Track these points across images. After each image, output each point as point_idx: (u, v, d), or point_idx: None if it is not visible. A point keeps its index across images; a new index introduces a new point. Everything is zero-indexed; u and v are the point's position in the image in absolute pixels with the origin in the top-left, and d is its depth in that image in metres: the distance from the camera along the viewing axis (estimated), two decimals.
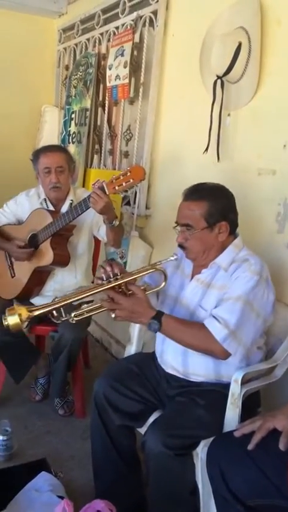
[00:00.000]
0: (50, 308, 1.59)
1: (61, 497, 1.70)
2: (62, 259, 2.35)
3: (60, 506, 1.57)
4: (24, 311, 1.56)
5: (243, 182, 1.72)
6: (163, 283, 1.71)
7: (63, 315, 1.60)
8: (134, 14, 2.82)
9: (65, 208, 2.42)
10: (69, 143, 3.52)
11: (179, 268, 1.82)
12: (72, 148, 3.42)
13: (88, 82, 3.28)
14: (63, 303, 1.60)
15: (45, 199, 2.45)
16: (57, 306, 1.60)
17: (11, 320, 1.55)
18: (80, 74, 3.41)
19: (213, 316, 1.55)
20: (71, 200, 2.42)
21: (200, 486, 1.54)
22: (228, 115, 2.13)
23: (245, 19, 1.97)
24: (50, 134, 3.90)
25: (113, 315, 1.61)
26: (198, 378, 1.68)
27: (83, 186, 3.10)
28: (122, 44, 2.85)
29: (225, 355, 1.53)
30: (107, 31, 3.18)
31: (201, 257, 1.69)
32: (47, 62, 4.10)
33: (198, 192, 1.69)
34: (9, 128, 3.98)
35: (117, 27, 3.04)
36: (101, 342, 3.40)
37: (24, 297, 2.42)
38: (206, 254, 1.68)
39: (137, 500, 1.79)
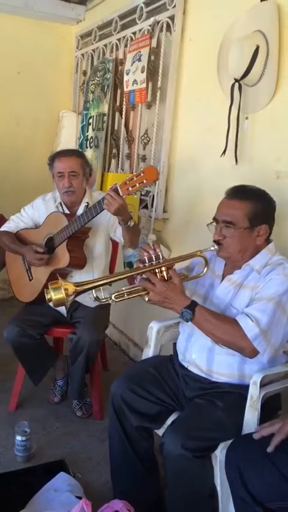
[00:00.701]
0: (96, 284, 1.62)
1: (79, 498, 1.71)
2: (79, 262, 2.37)
3: (78, 506, 1.58)
4: (70, 286, 1.58)
5: (262, 185, 1.72)
6: (205, 269, 1.73)
7: (103, 296, 1.63)
8: (151, 20, 2.85)
9: (80, 211, 2.44)
10: (86, 148, 3.56)
11: (209, 268, 1.82)
12: (89, 153, 3.45)
13: (105, 87, 3.32)
14: (107, 281, 1.64)
15: (60, 203, 2.48)
16: (101, 283, 1.62)
17: (56, 294, 1.56)
18: (98, 79, 3.44)
19: (246, 314, 1.56)
20: (87, 203, 2.44)
21: (218, 488, 1.53)
22: (246, 118, 2.13)
23: (263, 23, 1.98)
24: (68, 139, 3.94)
25: (146, 298, 1.63)
26: (220, 378, 1.68)
27: (101, 190, 3.12)
28: (139, 49, 2.87)
29: (254, 353, 1.54)
30: (124, 37, 3.21)
31: (236, 257, 1.69)
32: (65, 68, 4.15)
33: (244, 192, 1.69)
34: (28, 133, 4.05)
35: (134, 33, 3.07)
36: (119, 344, 3.42)
37: (42, 300, 2.44)
38: (241, 255, 1.68)
39: (155, 502, 1.80)
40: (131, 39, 3.08)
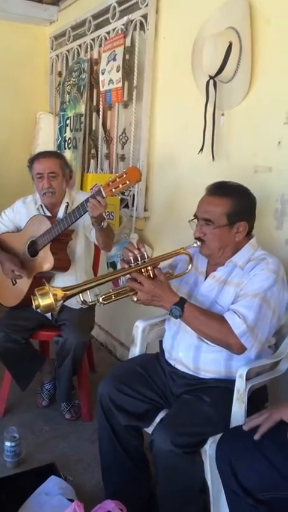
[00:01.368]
0: (84, 288, 1.60)
1: (71, 500, 1.70)
2: (63, 264, 2.36)
3: (70, 508, 1.58)
4: (59, 291, 1.56)
5: (240, 181, 1.74)
6: (189, 266, 1.73)
7: (90, 299, 1.61)
8: (125, 19, 2.85)
9: (61, 212, 2.43)
10: (65, 149, 3.54)
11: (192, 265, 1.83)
12: (68, 154, 3.43)
13: (81, 87, 3.31)
14: (95, 283, 1.62)
15: (41, 205, 2.46)
16: (90, 286, 1.61)
17: (44, 301, 1.53)
18: (73, 80, 3.43)
19: (233, 311, 1.57)
20: (67, 203, 2.44)
21: (209, 483, 1.55)
22: (222, 114, 2.15)
23: (235, 19, 1.99)
24: (46, 141, 3.92)
25: (134, 299, 1.63)
26: (207, 375, 1.69)
27: (81, 190, 3.11)
28: (114, 49, 2.87)
29: (242, 350, 1.55)
30: (98, 36, 3.21)
31: (217, 254, 1.70)
32: (40, 69, 4.13)
33: (223, 189, 1.70)
34: (4, 136, 4.01)
35: (108, 32, 3.06)
36: (106, 345, 3.41)
37: (26, 304, 2.42)
38: (222, 252, 1.69)
39: (147, 500, 1.80)
40: (105, 38, 3.08)
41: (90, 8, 3.27)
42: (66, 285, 2.37)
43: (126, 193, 2.98)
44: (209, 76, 2.08)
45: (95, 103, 3.32)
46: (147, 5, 2.63)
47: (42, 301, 1.53)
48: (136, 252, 1.63)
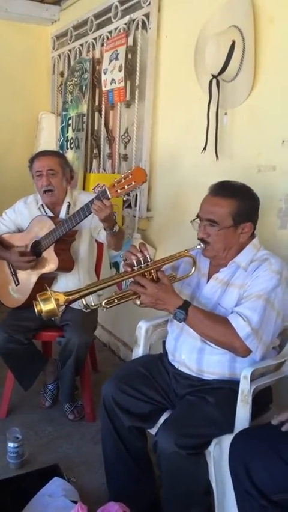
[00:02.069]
0: (87, 292, 1.58)
1: (75, 502, 1.70)
2: (67, 265, 2.36)
3: (74, 510, 1.58)
4: (61, 296, 1.53)
5: (244, 180, 1.72)
6: (193, 269, 1.71)
7: (92, 302, 1.60)
8: (127, 18, 2.84)
9: (63, 211, 2.43)
10: (67, 149, 3.54)
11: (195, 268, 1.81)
12: (70, 154, 3.43)
13: (84, 87, 3.30)
14: (98, 287, 1.60)
15: (42, 205, 2.46)
16: (92, 290, 1.59)
17: (47, 306, 1.51)
18: (75, 79, 3.42)
19: (237, 313, 1.55)
20: (68, 202, 2.43)
21: (213, 485, 1.54)
22: (225, 113, 2.13)
23: (238, 18, 1.98)
24: (48, 141, 3.91)
25: (138, 302, 1.61)
26: (211, 376, 1.68)
27: (83, 190, 3.10)
28: (116, 48, 2.86)
29: (247, 352, 1.54)
30: (100, 36, 3.20)
31: (221, 255, 1.68)
32: (41, 69, 4.12)
33: (228, 189, 1.67)
34: (6, 136, 4.01)
35: (110, 32, 3.05)
36: (109, 345, 3.40)
37: (30, 305, 2.41)
38: (226, 253, 1.67)
39: (151, 502, 1.79)
40: (107, 38, 3.07)
41: (92, 8, 3.26)
42: (69, 285, 2.44)
43: (129, 193, 2.97)
44: (212, 75, 2.07)
45: (97, 103, 3.31)
46: (149, 3, 2.62)
47: (45, 306, 1.51)
48: (139, 255, 1.61)
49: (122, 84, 2.81)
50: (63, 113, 3.63)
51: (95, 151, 3.37)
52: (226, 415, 1.55)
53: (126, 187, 1.98)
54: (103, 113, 3.23)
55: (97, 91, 3.29)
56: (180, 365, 1.76)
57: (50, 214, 2.44)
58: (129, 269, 1.62)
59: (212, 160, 2.20)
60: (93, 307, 1.61)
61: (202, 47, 2.13)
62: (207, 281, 1.75)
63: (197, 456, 1.53)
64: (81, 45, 3.50)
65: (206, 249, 1.69)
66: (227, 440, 1.49)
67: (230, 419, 1.55)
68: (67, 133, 3.56)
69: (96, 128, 3.38)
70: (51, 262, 2.32)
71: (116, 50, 2.85)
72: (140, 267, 1.61)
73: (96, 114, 3.34)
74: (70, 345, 2.28)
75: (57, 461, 2.05)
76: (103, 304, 1.61)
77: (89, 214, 2.15)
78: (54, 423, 2.46)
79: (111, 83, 2.92)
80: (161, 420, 1.70)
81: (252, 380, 1.55)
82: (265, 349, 1.55)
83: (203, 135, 2.19)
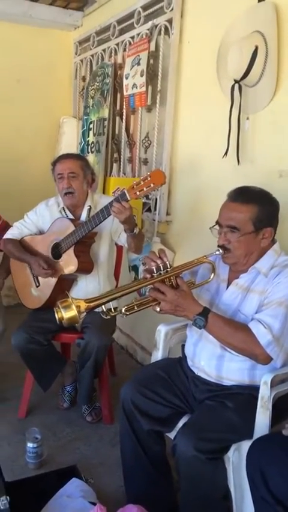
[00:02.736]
0: (108, 299, 1.58)
1: (93, 503, 1.71)
2: (86, 267, 2.38)
3: (93, 511, 1.58)
4: (82, 303, 1.53)
5: (265, 185, 1.72)
6: (212, 275, 1.70)
7: (113, 311, 1.60)
8: (149, 23, 2.86)
9: (83, 214, 2.46)
10: (88, 153, 3.57)
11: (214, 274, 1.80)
12: (91, 158, 3.46)
13: (105, 91, 3.33)
14: (119, 294, 1.60)
15: (63, 208, 2.49)
16: (113, 297, 1.59)
17: (68, 313, 1.51)
18: (97, 84, 3.46)
19: (258, 321, 1.54)
20: (89, 206, 2.46)
21: (232, 490, 1.53)
22: (247, 118, 2.13)
23: (261, 23, 1.98)
24: (69, 145, 3.95)
25: (157, 309, 1.61)
26: (230, 383, 1.67)
27: (103, 194, 3.13)
28: (138, 53, 2.88)
29: (268, 360, 1.53)
30: (122, 41, 3.23)
31: (242, 261, 1.67)
32: (64, 74, 4.17)
33: (247, 194, 1.66)
34: (29, 140, 4.07)
35: (132, 37, 3.08)
36: (126, 349, 3.41)
37: (50, 306, 2.45)
38: (247, 259, 1.66)
39: (169, 506, 1.79)
40: (130, 43, 3.10)
41: (115, 13, 3.29)
42: (89, 287, 2.46)
43: (148, 197, 2.98)
44: (234, 80, 2.07)
45: (118, 107, 3.34)
46: (172, 9, 2.64)
47: (66, 313, 1.51)
48: (159, 261, 1.61)
49: (144, 89, 2.82)
50: (85, 117, 3.66)
51: (116, 155, 3.40)
52: (245, 421, 1.55)
53: (145, 189, 1.99)
54: (124, 117, 3.26)
55: (118, 95, 3.32)
56: (199, 371, 1.76)
57: (71, 216, 2.47)
58: (148, 275, 1.61)
59: (233, 165, 2.19)
60: (113, 314, 1.60)
61: (225, 52, 2.14)
62: (227, 287, 1.74)
63: (216, 461, 1.52)
64: (104, 50, 3.53)
65: (226, 256, 1.68)
66: (245, 446, 1.49)
67: (249, 425, 1.54)
68: (88, 137, 3.60)
69: (117, 132, 3.41)
70: (71, 264, 2.34)
71: (138, 55, 2.88)
72: (160, 274, 1.60)
73: (117, 118, 3.37)
74: (89, 348, 2.29)
75: (75, 462, 2.07)
76: (123, 311, 1.60)
77: (108, 216, 2.17)
78: (72, 424, 2.48)
79: (132, 88, 2.94)
80: (180, 424, 1.70)
81: (272, 386, 1.54)
82: (286, 356, 1.54)
83: (224, 140, 2.19)
